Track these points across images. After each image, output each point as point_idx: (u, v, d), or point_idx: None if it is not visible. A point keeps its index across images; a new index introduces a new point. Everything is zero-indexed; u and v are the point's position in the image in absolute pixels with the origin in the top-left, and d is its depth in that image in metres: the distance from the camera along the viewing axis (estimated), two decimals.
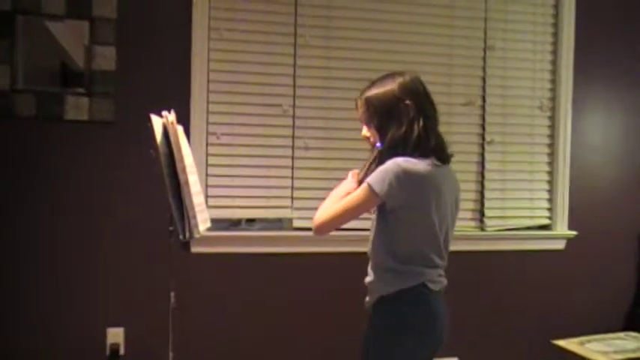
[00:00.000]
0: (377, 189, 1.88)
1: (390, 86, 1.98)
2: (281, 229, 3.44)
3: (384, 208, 1.94)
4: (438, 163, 1.95)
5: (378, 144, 2.01)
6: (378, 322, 1.99)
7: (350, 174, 2.12)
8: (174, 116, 2.15)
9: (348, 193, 2.00)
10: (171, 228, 2.16)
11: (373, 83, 2.03)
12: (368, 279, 2.06)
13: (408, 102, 1.95)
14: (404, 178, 1.86)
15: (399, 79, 1.99)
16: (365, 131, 2.06)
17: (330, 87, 3.40)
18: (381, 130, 1.99)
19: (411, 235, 1.94)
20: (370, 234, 2.06)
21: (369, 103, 2.00)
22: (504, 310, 3.64)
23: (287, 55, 3.36)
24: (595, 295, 3.77)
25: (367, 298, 2.05)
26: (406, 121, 1.94)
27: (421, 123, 1.94)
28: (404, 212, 1.91)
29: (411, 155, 1.91)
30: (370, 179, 1.91)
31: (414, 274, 1.95)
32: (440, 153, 1.98)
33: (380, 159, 1.97)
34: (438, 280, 1.99)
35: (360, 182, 2.02)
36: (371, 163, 2.02)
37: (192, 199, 2.12)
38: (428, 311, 1.96)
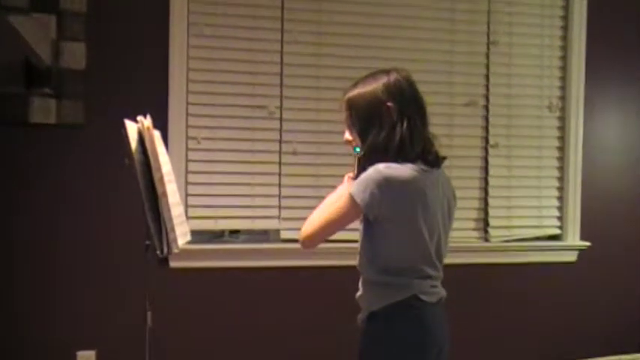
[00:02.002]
0: (358, 199, 1.90)
1: (373, 87, 1.99)
2: (267, 241, 3.47)
3: (368, 219, 1.97)
4: (425, 167, 1.97)
5: (357, 149, 2.04)
6: (370, 339, 2.01)
7: (346, 177, 2.15)
8: (151, 121, 2.17)
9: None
10: (147, 242, 2.17)
11: (356, 83, 2.05)
12: (358, 294, 2.09)
13: (390, 104, 1.96)
14: (386, 185, 1.88)
15: (383, 79, 2.00)
16: (347, 135, 2.09)
17: (321, 87, 3.44)
18: (361, 134, 2.01)
19: (398, 246, 1.96)
20: (359, 246, 2.09)
21: (350, 104, 2.03)
22: (510, 328, 3.67)
23: (273, 53, 3.39)
24: (610, 311, 3.81)
25: (359, 315, 2.08)
26: (387, 125, 1.96)
27: (404, 126, 1.95)
28: (388, 222, 1.93)
29: (394, 161, 1.93)
30: (352, 189, 1.93)
31: (403, 286, 1.97)
32: (427, 157, 1.99)
33: (362, 165, 2.00)
34: (431, 292, 2.01)
35: None
36: (357, 170, 2.05)
37: (171, 211, 2.14)
38: (421, 325, 1.97)
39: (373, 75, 2.04)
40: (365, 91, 2.00)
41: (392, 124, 1.96)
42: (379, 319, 1.99)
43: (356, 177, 1.99)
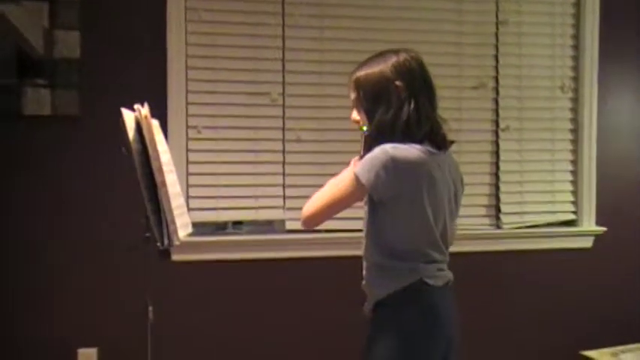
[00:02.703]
0: (363, 179, 1.92)
1: (381, 66, 2.03)
2: (272, 232, 3.48)
3: (374, 201, 1.99)
4: (432, 149, 1.99)
5: (364, 128, 2.06)
6: (378, 328, 2.03)
7: (352, 161, 2.16)
8: (148, 109, 2.17)
9: None
10: (147, 234, 2.18)
11: (364, 62, 2.09)
12: (363, 282, 2.12)
13: (398, 83, 2.00)
14: (392, 166, 1.91)
15: (392, 59, 2.03)
16: (355, 115, 2.11)
17: (324, 72, 3.43)
18: (369, 114, 2.04)
19: (404, 229, 1.99)
20: (363, 229, 2.11)
21: (358, 84, 2.06)
22: (523, 317, 3.67)
23: (275, 37, 3.38)
24: (627, 299, 3.81)
25: (365, 304, 2.10)
26: (395, 104, 1.99)
27: (412, 106, 1.98)
28: (393, 204, 1.96)
29: (401, 141, 1.96)
30: (357, 169, 1.96)
31: (410, 271, 1.99)
32: (435, 139, 2.02)
33: (368, 145, 2.02)
34: (438, 275, 2.03)
35: None
36: (363, 150, 2.06)
37: (171, 202, 2.14)
38: (429, 309, 2.00)
39: (382, 54, 2.07)
40: (373, 71, 2.04)
41: (400, 103, 1.99)
42: (386, 306, 2.01)
43: (362, 157, 2.00)
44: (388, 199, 1.95)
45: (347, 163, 2.18)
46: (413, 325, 1.98)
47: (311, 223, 2.06)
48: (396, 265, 1.99)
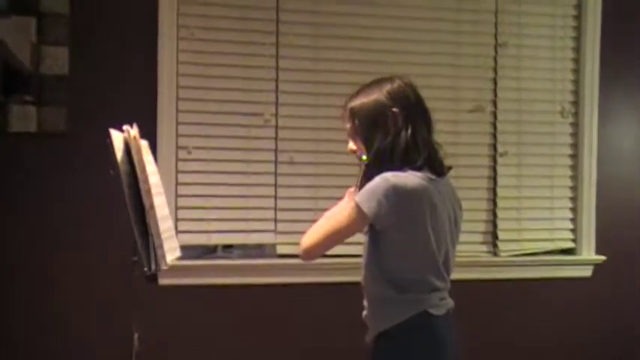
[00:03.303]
0: (365, 209, 1.94)
1: (376, 94, 2.07)
2: (263, 256, 3.47)
3: (375, 230, 2.01)
4: (432, 176, 2.02)
5: (364, 157, 2.09)
6: None
7: (347, 193, 2.18)
8: (137, 130, 2.18)
9: None
10: (134, 258, 2.18)
11: (358, 92, 2.13)
12: (364, 313, 2.13)
13: (395, 110, 2.03)
14: (394, 195, 1.93)
15: (387, 86, 2.08)
16: (351, 144, 2.14)
17: (319, 93, 3.45)
18: (366, 142, 2.08)
19: (406, 258, 2.01)
20: (362, 260, 2.12)
21: (354, 113, 2.10)
22: (522, 347, 3.66)
23: (268, 57, 3.40)
24: (628, 331, 3.81)
25: (366, 335, 2.11)
26: (393, 130, 2.03)
27: (409, 132, 2.02)
28: (396, 233, 1.98)
29: (400, 169, 1.99)
30: (358, 198, 1.98)
31: (413, 302, 2.02)
32: (433, 165, 2.05)
33: (367, 174, 2.04)
34: (440, 304, 2.06)
35: None
36: (362, 180, 2.08)
37: (159, 225, 2.14)
38: (433, 341, 2.02)
39: (375, 82, 2.12)
40: (369, 99, 2.08)
41: (397, 129, 2.03)
42: (389, 338, 2.03)
43: (361, 186, 2.02)
44: (390, 227, 1.97)
45: (342, 187, 2.19)
46: (417, 358, 1.99)
47: (310, 255, 2.07)
48: (398, 297, 2.01)
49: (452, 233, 2.11)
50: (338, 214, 2.04)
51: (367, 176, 2.03)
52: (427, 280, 2.03)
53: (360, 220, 1.98)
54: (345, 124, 2.15)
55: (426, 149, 2.04)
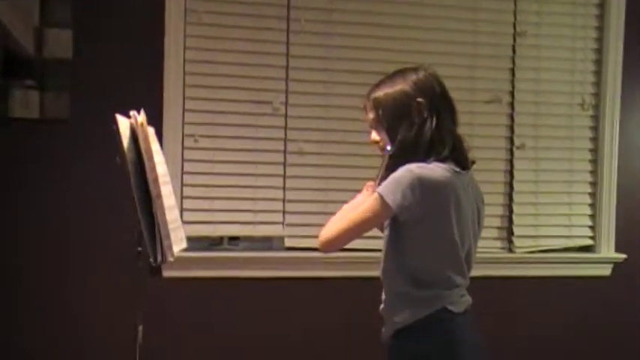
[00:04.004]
0: (389, 200, 1.95)
1: (401, 85, 2.09)
2: (270, 249, 3.49)
3: (397, 223, 2.02)
4: (456, 169, 2.03)
5: (388, 147, 2.10)
6: (399, 357, 2.07)
7: (365, 186, 2.20)
8: (145, 117, 2.19)
9: None
10: (139, 249, 2.19)
11: (382, 82, 2.14)
12: (382, 306, 2.16)
13: (420, 100, 2.05)
14: (419, 186, 1.94)
15: (412, 77, 2.10)
16: (374, 135, 2.16)
17: (330, 81, 3.45)
18: (390, 133, 2.10)
19: (429, 253, 2.03)
20: (382, 254, 2.14)
21: (378, 104, 2.11)
22: (537, 348, 3.67)
23: (278, 43, 3.41)
24: None
25: (383, 330, 2.14)
26: (417, 121, 2.05)
27: (434, 123, 2.04)
28: (420, 226, 2.00)
29: (425, 160, 2.01)
30: (381, 189, 1.99)
31: (433, 298, 2.04)
32: (458, 158, 2.07)
33: (391, 165, 2.06)
34: (460, 301, 2.08)
35: None
36: (383, 171, 2.10)
37: (166, 215, 2.15)
38: (453, 339, 2.04)
39: (399, 72, 2.14)
40: (394, 89, 2.10)
41: (422, 120, 2.05)
42: (407, 335, 2.06)
43: (384, 177, 2.05)
44: (414, 220, 1.98)
45: (352, 178, 2.21)
46: (437, 355, 2.02)
47: (330, 248, 2.09)
48: (419, 293, 2.04)
49: (474, 228, 2.13)
50: (359, 205, 2.05)
51: (391, 167, 2.04)
52: (448, 276, 2.05)
53: (383, 211, 1.99)
54: (367, 115, 2.16)
55: (451, 141, 2.06)
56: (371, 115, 2.14)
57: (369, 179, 2.22)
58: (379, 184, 2.08)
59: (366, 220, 2.02)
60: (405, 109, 2.06)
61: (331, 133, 3.46)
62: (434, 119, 2.04)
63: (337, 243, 2.07)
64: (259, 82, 3.39)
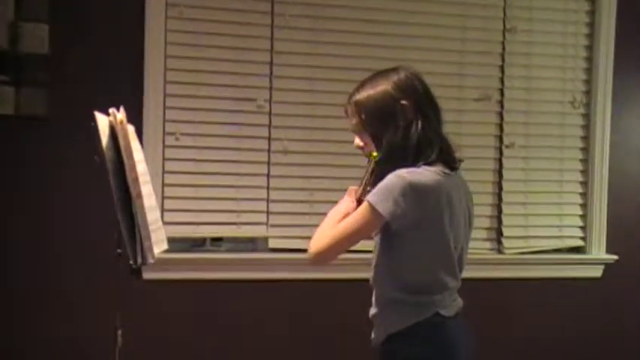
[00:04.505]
0: (380, 209, 1.95)
1: (383, 86, 2.07)
2: (254, 250, 3.49)
3: (389, 230, 2.01)
4: (446, 170, 2.03)
5: (374, 154, 2.09)
6: None
7: (348, 191, 2.19)
8: (124, 114, 2.18)
9: (347, 214, 2.07)
10: (119, 251, 2.18)
11: (363, 84, 2.12)
12: (372, 311, 2.15)
13: (404, 102, 2.04)
14: (411, 193, 1.94)
15: (393, 77, 2.08)
16: (358, 141, 2.14)
17: (315, 78, 3.46)
18: (375, 138, 2.08)
19: (422, 259, 2.03)
20: (372, 258, 2.14)
21: (360, 107, 2.09)
22: (528, 350, 3.68)
23: (262, 39, 3.40)
24: (639, 333, 3.83)
25: (373, 335, 2.14)
26: (403, 124, 2.03)
27: (420, 125, 2.03)
28: (413, 233, 1.99)
29: (414, 164, 2.00)
30: (371, 197, 1.98)
31: (425, 304, 2.04)
32: (447, 159, 2.07)
33: (379, 171, 2.06)
34: (451, 305, 2.09)
35: (358, 201, 2.10)
36: (369, 178, 2.10)
37: (146, 216, 2.15)
38: (445, 344, 2.05)
39: (380, 74, 2.12)
40: (376, 91, 2.08)
41: (408, 123, 2.03)
42: (399, 341, 2.06)
43: (370, 183, 2.05)
44: (407, 227, 1.97)
45: (338, 178, 2.20)
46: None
47: (322, 260, 2.08)
48: (411, 299, 2.04)
49: (466, 229, 2.13)
50: (347, 214, 2.04)
51: (378, 174, 2.04)
52: (441, 279, 2.05)
53: (375, 221, 1.98)
54: (349, 120, 2.14)
55: (438, 142, 2.05)
56: (354, 120, 2.12)
57: (356, 178, 2.20)
58: (364, 190, 2.08)
59: (357, 231, 2.01)
60: (388, 112, 2.04)
61: (317, 132, 3.46)
62: (419, 121, 2.03)
63: (329, 255, 2.05)
64: (243, 79, 3.38)
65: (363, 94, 2.09)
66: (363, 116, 2.09)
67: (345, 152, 3.26)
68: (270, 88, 3.41)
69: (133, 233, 2.12)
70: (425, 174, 1.97)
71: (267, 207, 3.43)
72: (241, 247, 3.50)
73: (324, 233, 2.06)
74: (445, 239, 2.02)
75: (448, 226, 2.01)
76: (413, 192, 1.94)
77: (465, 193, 2.14)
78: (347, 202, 2.13)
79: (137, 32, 3.22)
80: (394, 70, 2.10)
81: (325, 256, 2.06)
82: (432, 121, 2.06)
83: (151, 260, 2.15)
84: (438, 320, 2.03)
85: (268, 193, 3.43)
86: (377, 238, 2.11)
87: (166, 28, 3.28)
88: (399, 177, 1.95)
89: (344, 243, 2.03)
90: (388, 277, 2.07)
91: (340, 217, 2.07)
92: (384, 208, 1.94)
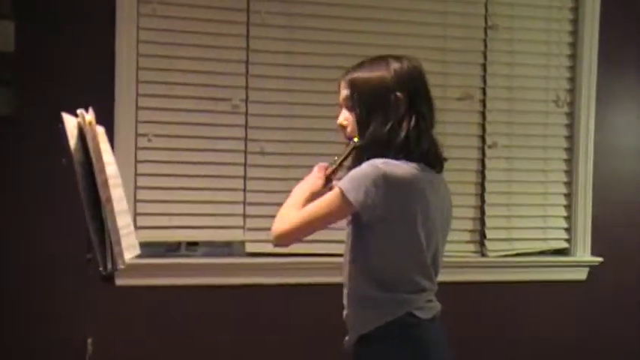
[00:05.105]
0: (351, 197, 1.93)
1: (382, 72, 2.04)
2: (231, 254, 3.49)
3: (360, 221, 2.00)
4: (425, 167, 2.02)
5: (355, 139, 2.07)
6: None
7: (316, 167, 2.17)
8: (93, 115, 2.16)
9: (313, 193, 2.07)
10: (89, 256, 2.17)
11: (362, 64, 2.09)
12: (345, 313, 2.13)
13: (399, 94, 2.01)
14: (384, 184, 1.92)
15: (394, 65, 2.05)
16: (342, 119, 2.12)
17: (293, 77, 3.46)
18: (361, 123, 2.05)
19: (393, 254, 2.01)
20: (345, 252, 2.12)
21: (354, 86, 2.06)
22: (512, 355, 3.70)
23: (238, 37, 3.40)
24: (624, 337, 3.86)
25: (346, 337, 2.12)
26: (394, 117, 2.01)
27: (412, 122, 2.01)
28: (384, 226, 1.97)
29: (394, 157, 1.98)
30: (343, 184, 1.96)
31: (397, 302, 2.02)
32: (432, 160, 2.05)
33: (356, 157, 2.05)
34: (427, 307, 2.06)
35: (327, 179, 2.10)
36: (343, 159, 2.09)
37: (117, 221, 2.13)
38: (419, 346, 2.02)
39: (382, 58, 2.09)
40: (373, 75, 2.05)
41: (399, 117, 2.01)
42: (371, 342, 2.03)
43: (345, 166, 2.05)
44: (378, 220, 1.96)
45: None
46: None
47: (284, 241, 2.05)
48: (383, 297, 2.01)
49: (443, 231, 2.11)
50: (318, 201, 2.02)
51: (355, 160, 2.03)
52: (413, 279, 2.03)
53: (344, 208, 1.96)
54: (340, 92, 2.11)
55: (427, 142, 2.03)
56: (344, 92, 2.09)
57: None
58: (335, 169, 2.08)
59: (325, 216, 1.99)
60: (380, 100, 2.02)
61: (294, 132, 3.46)
62: (412, 119, 2.01)
63: (292, 238, 2.03)
64: (218, 78, 3.38)
65: (359, 74, 2.07)
66: (354, 96, 2.06)
67: (325, 153, 3.26)
68: (246, 88, 3.41)
69: (102, 238, 2.11)
70: (402, 167, 1.96)
71: (244, 210, 3.42)
72: (218, 251, 3.49)
73: (289, 214, 2.04)
74: (416, 235, 1.99)
75: (420, 222, 1.98)
76: (386, 183, 1.92)
77: (443, 193, 2.12)
78: (314, 178, 2.12)
79: (108, 30, 3.21)
80: (397, 57, 2.08)
81: (288, 239, 2.04)
82: (425, 119, 2.04)
83: (121, 266, 2.14)
84: (412, 321, 2.01)
85: (245, 195, 3.42)
86: (348, 230, 2.09)
87: (138, 26, 3.26)
88: (373, 167, 1.93)
89: (309, 228, 2.01)
90: (359, 273, 2.05)
91: (306, 196, 2.07)
92: (355, 197, 1.92)
